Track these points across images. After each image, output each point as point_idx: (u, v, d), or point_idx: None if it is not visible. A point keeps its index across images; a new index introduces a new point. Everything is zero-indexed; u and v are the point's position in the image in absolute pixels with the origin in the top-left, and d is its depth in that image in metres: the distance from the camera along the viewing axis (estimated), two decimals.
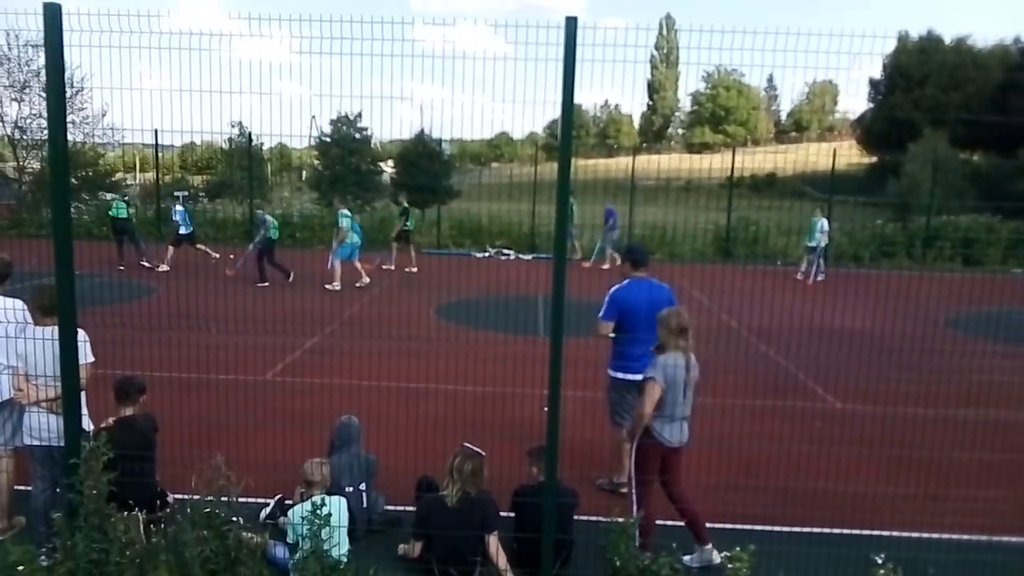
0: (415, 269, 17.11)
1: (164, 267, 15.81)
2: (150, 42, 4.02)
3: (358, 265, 14.81)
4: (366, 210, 28.18)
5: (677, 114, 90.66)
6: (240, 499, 4.13)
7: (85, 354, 4.36)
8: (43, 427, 4.43)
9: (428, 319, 11.87)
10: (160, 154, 24.46)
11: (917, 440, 6.99)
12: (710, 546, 4.70)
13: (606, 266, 17.46)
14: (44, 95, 24.10)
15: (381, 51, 4.05)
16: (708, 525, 4.80)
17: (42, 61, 23.70)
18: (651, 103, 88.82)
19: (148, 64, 4.10)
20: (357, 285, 14.50)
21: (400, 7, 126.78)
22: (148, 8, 3.91)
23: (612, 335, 5.75)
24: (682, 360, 4.53)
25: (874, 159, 45.94)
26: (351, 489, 4.96)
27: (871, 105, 51.22)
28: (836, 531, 5.25)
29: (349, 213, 14.84)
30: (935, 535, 5.17)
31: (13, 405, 4.73)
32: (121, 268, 15.80)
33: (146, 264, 16.05)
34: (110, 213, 17.03)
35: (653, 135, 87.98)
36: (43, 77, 23.09)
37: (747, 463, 6.39)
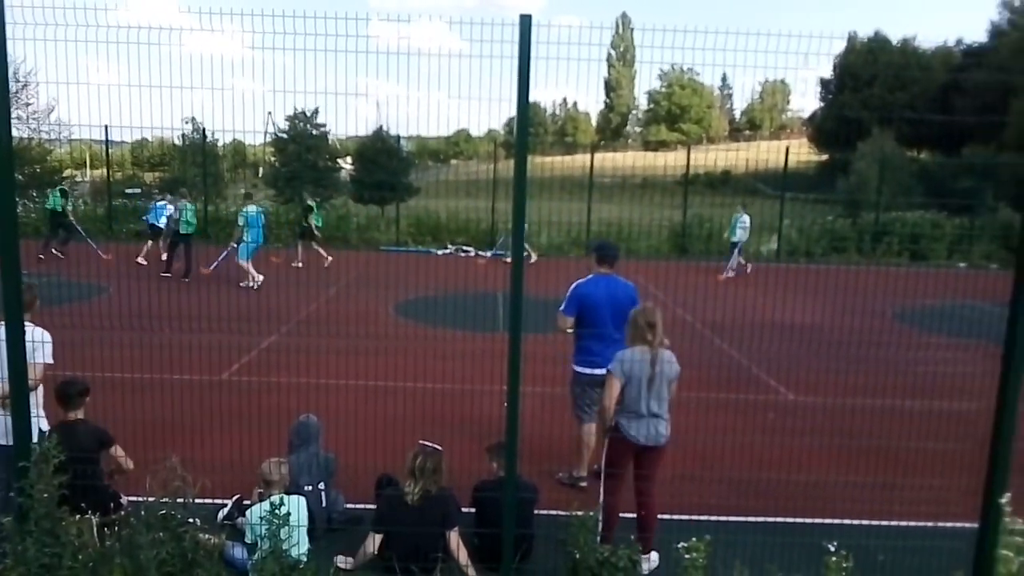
0: (329, 259, 16.99)
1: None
2: (98, 36, 3.92)
3: (248, 265, 14.21)
4: (325, 207, 27.89)
5: (634, 112, 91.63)
6: (197, 500, 4.09)
7: (44, 354, 4.29)
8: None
9: (387, 317, 11.82)
10: (111, 150, 23.87)
11: (867, 430, 7.21)
12: (651, 556, 4.67)
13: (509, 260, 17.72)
14: None
15: (336, 47, 4.03)
16: (666, 516, 4.87)
17: None
18: (608, 101, 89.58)
19: (97, 58, 4.02)
20: (241, 284, 14.01)
21: (356, 3, 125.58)
22: (97, 1, 3.81)
23: (571, 330, 5.80)
24: (646, 355, 4.56)
25: (825, 157, 47.01)
26: (310, 488, 4.93)
27: (821, 104, 52.45)
28: (789, 520, 5.39)
29: (251, 212, 14.29)
30: (884, 522, 5.34)
31: None
32: (51, 255, 15.89)
33: (57, 253, 16.19)
34: (46, 206, 16.79)
35: (610, 133, 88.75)
36: None
37: (702, 455, 6.51)
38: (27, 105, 22.75)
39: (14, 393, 3.94)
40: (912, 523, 5.32)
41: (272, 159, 34.85)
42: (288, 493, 4.51)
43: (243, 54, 4.36)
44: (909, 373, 9.27)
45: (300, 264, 16.91)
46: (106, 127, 16.02)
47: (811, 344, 9.77)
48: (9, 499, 4.24)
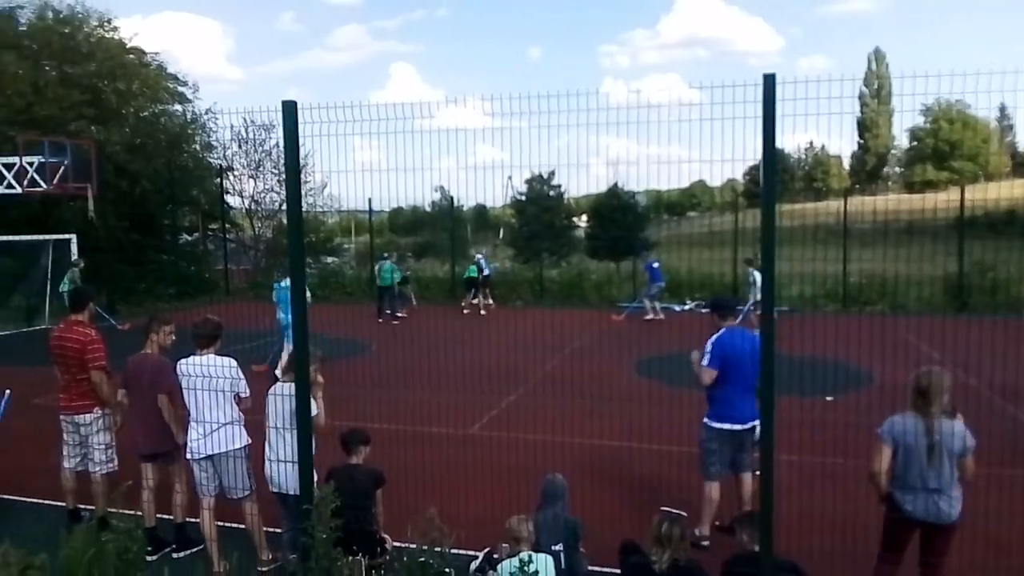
0: (403, 317, 18.65)
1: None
2: (368, 128, 4.50)
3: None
4: (562, 265, 28.79)
5: (893, 152, 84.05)
6: (452, 551, 4.27)
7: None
8: (289, 477, 4.89)
9: (628, 375, 11.73)
10: (372, 219, 26.75)
11: None
12: None
13: (648, 317, 16.87)
14: (275, 172, 27.39)
15: (578, 121, 4.18)
16: None
17: (272, 141, 27.10)
18: (862, 142, 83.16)
19: (361, 138, 4.57)
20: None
21: (588, 64, 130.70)
22: (365, 87, 4.32)
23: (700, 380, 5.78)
24: (919, 424, 4.12)
25: None
26: (554, 548, 4.93)
27: None
28: None
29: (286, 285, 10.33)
30: None
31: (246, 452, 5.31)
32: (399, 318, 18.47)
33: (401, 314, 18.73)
34: (386, 280, 19.08)
35: (866, 175, 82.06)
36: (274, 156, 26.49)
37: (997, 542, 5.58)
38: (305, 183, 26.24)
39: (300, 442, 4.44)
40: None
41: (512, 220, 36.85)
42: (536, 551, 4.56)
43: (484, 125, 4.70)
44: None
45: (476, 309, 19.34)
46: (369, 200, 18.51)
47: None
48: (295, 540, 4.76)
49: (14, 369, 11.87)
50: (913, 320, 15.39)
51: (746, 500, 5.69)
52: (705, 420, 5.76)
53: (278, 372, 10.04)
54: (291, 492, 4.83)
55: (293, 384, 4.56)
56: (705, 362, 5.68)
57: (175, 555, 5.57)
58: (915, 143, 76.89)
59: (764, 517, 3.88)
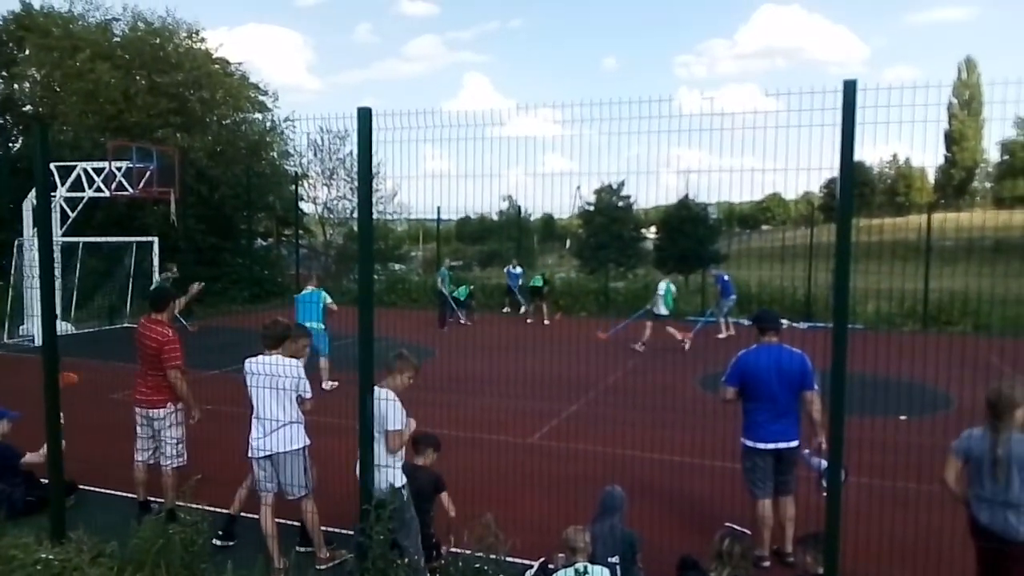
0: (464, 324, 18.90)
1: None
2: (438, 135, 4.56)
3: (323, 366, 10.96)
4: (628, 277, 28.55)
5: (983, 166, 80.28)
6: (507, 558, 4.25)
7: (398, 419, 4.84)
8: (380, 480, 4.93)
9: (691, 389, 11.51)
10: (440, 227, 27.07)
11: None
12: None
13: (722, 335, 16.24)
14: (348, 179, 27.93)
15: (649, 128, 4.13)
16: None
17: (346, 150, 27.67)
18: (949, 155, 79.68)
19: (431, 146, 4.63)
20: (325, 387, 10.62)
21: (663, 74, 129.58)
22: (438, 97, 4.38)
23: (728, 399, 5.57)
24: (987, 438, 3.98)
25: None
26: (610, 560, 4.86)
27: None
28: None
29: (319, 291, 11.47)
30: None
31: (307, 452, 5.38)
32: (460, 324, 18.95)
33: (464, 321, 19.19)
34: (533, 283, 20.16)
35: (952, 190, 78.57)
36: (347, 164, 27.03)
37: None
38: (375, 191, 26.75)
39: (362, 442, 4.50)
40: None
41: (579, 231, 36.73)
42: (592, 563, 4.50)
43: (554, 133, 4.68)
44: None
45: (547, 321, 19.36)
46: (438, 208, 18.69)
47: None
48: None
49: (94, 363, 12.45)
50: (996, 341, 14.64)
51: (785, 525, 5.50)
52: (740, 439, 5.62)
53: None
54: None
55: (384, 388, 4.72)
56: (723, 378, 5.57)
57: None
58: (1007, 156, 73.32)
59: (830, 539, 3.75)
